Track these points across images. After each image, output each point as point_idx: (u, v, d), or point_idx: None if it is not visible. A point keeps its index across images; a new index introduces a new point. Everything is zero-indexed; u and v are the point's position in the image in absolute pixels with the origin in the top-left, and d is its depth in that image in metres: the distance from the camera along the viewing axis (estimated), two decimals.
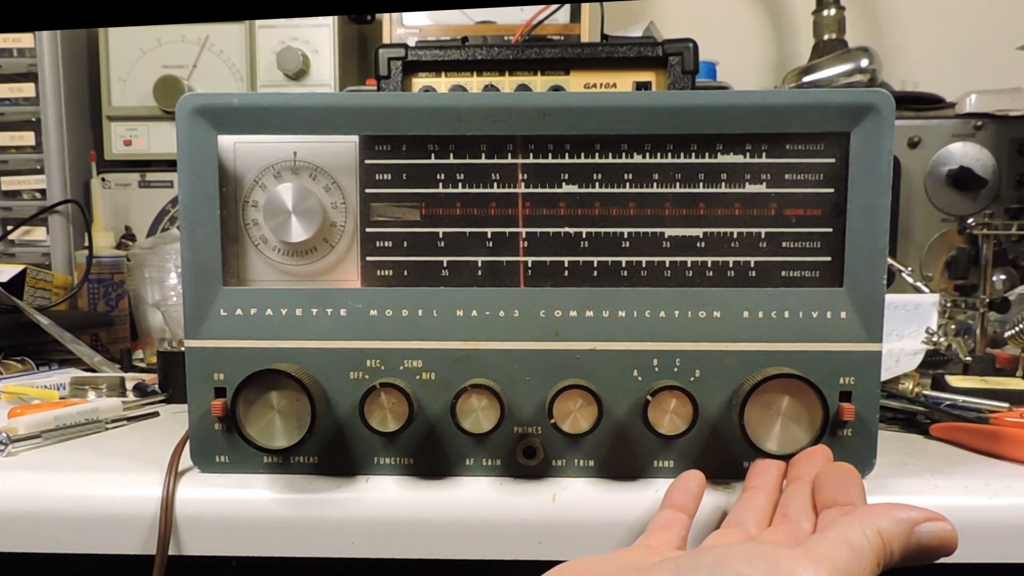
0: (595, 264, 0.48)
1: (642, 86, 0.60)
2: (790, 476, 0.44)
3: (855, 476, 0.40)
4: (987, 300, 0.73)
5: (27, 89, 1.01)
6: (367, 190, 0.48)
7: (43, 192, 1.03)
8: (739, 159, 0.47)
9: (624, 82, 0.61)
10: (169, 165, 1.06)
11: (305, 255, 0.48)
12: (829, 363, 0.46)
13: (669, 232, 0.47)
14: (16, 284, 0.89)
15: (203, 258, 0.47)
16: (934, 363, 0.70)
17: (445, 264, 0.48)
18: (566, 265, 0.48)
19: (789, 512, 0.40)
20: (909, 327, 0.69)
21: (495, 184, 0.47)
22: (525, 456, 0.47)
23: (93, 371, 0.80)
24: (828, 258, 0.47)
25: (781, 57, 1.29)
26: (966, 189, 0.92)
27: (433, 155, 0.47)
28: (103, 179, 1.04)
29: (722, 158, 0.47)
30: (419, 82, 0.61)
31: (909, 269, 0.79)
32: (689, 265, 0.47)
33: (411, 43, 0.60)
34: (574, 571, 0.35)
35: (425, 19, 0.99)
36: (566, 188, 0.47)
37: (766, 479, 0.44)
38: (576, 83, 0.61)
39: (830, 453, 0.44)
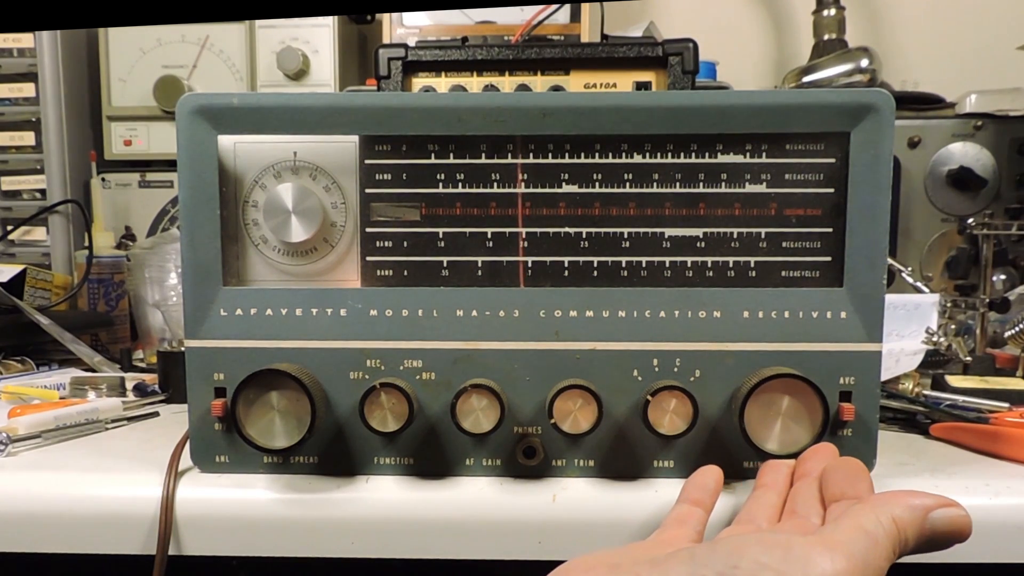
0: (595, 264, 0.48)
1: (642, 86, 0.60)
2: (797, 473, 0.43)
3: (863, 470, 0.40)
4: (987, 300, 0.73)
5: (27, 89, 1.01)
6: (367, 190, 0.48)
7: (43, 192, 1.03)
8: (739, 159, 0.47)
9: (624, 82, 0.61)
10: (169, 165, 1.06)
11: (305, 255, 0.48)
12: (829, 363, 0.46)
13: (669, 232, 0.47)
14: (16, 284, 0.89)
15: (203, 258, 0.47)
16: (934, 363, 0.70)
17: (445, 264, 0.48)
18: (566, 265, 0.48)
19: (797, 508, 0.40)
20: (909, 327, 0.69)
21: (495, 184, 0.47)
22: (525, 456, 0.47)
23: (93, 371, 0.80)
24: (828, 258, 0.47)
25: (781, 57, 1.29)
26: (966, 189, 0.92)
27: (433, 155, 0.47)
28: (103, 179, 1.04)
29: (722, 158, 0.47)
30: (419, 82, 0.61)
31: (909, 269, 0.79)
32: (689, 265, 0.47)
33: (411, 43, 0.60)
34: (587, 564, 0.35)
35: (425, 19, 0.99)
36: (566, 188, 0.47)
37: (776, 477, 0.43)
38: (576, 83, 0.61)
39: (836, 449, 0.44)
